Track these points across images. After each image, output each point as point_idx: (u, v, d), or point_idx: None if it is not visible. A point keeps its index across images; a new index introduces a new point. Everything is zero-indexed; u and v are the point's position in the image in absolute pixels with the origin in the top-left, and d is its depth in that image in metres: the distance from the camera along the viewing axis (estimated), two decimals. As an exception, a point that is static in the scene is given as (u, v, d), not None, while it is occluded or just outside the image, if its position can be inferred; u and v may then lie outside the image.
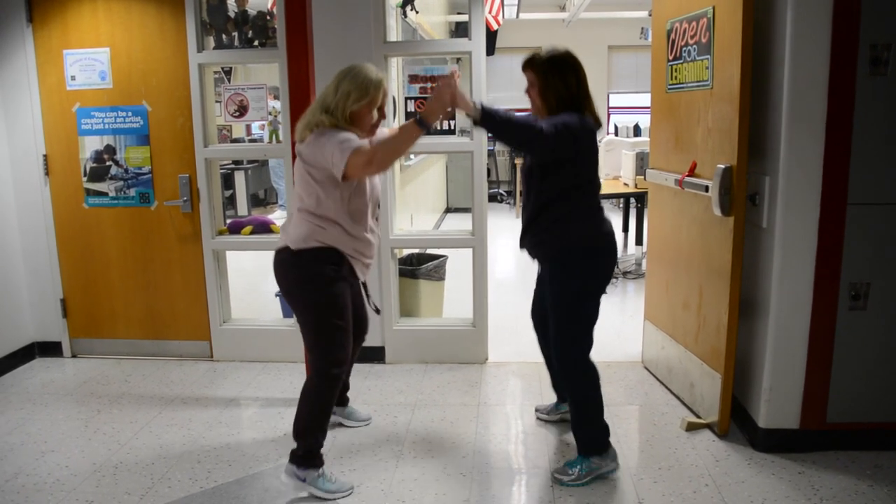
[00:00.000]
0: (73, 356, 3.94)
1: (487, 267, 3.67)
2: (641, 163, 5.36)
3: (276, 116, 4.92)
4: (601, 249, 2.48)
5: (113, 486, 2.57)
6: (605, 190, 5.92)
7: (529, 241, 2.58)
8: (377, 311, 2.81)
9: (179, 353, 3.88)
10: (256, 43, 3.74)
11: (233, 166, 8.07)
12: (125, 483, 2.59)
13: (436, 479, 2.58)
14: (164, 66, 3.60)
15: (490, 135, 2.38)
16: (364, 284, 2.71)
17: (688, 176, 2.94)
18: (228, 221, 3.87)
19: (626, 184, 5.81)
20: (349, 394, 3.07)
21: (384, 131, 2.60)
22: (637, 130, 9.74)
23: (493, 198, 9.79)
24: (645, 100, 8.11)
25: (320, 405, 2.46)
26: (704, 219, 2.86)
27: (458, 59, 6.35)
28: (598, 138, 2.48)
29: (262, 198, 8.90)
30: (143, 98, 3.65)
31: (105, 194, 3.76)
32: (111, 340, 3.91)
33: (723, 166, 2.61)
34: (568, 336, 2.50)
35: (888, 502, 2.35)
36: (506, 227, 7.88)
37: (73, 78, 3.66)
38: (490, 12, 6.73)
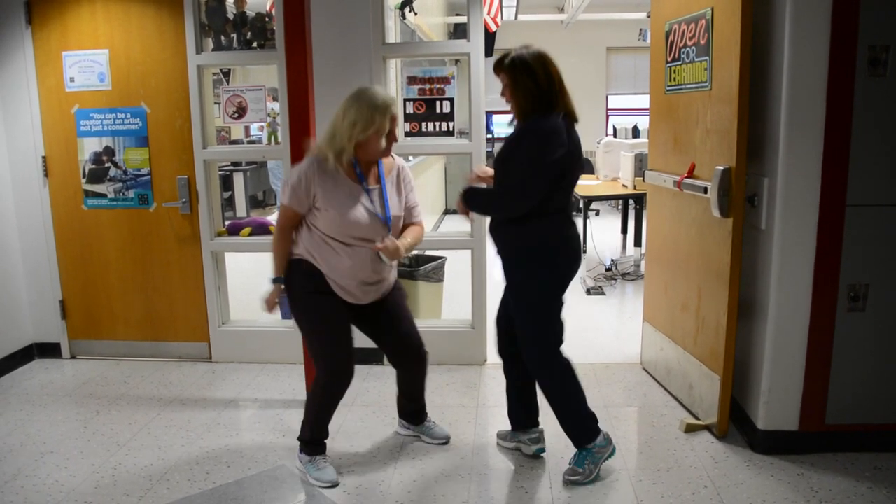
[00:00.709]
0: (72, 357, 3.93)
1: (486, 268, 3.67)
2: (640, 164, 5.33)
3: (274, 118, 4.90)
4: (558, 250, 2.46)
5: (112, 487, 2.57)
6: (604, 191, 5.96)
7: (494, 237, 2.57)
8: None
9: (178, 355, 3.88)
10: (255, 44, 3.75)
11: (231, 168, 8.05)
12: (124, 484, 2.59)
13: (435, 481, 2.58)
14: (162, 67, 3.60)
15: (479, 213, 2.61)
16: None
17: (686, 177, 2.94)
18: (227, 223, 3.87)
19: (624, 185, 5.79)
20: (427, 409, 2.92)
21: (414, 227, 2.78)
22: (636, 132, 9.72)
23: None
24: (643, 101, 8.09)
25: (317, 404, 2.60)
26: (703, 220, 2.86)
27: (457, 61, 6.37)
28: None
29: (261, 199, 8.87)
30: (141, 100, 3.65)
31: (104, 196, 3.76)
32: (110, 342, 3.91)
33: (721, 168, 2.61)
34: (530, 334, 2.51)
35: (887, 503, 2.35)
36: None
37: (72, 79, 3.66)
38: (489, 14, 6.72)
